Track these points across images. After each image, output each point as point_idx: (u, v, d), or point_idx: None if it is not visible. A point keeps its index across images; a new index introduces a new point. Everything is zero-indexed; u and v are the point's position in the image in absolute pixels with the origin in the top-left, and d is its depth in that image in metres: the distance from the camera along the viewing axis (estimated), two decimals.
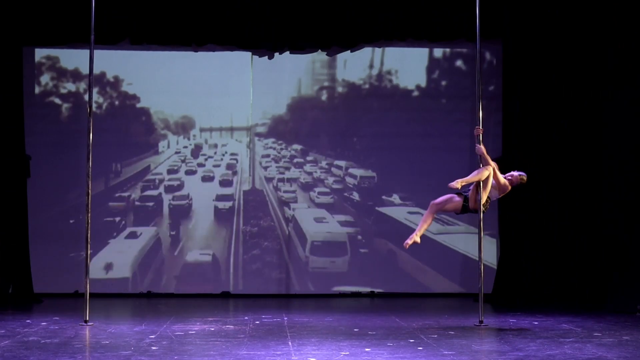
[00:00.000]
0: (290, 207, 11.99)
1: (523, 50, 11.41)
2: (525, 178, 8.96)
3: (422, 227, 8.79)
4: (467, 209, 8.84)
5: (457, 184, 8.63)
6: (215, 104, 12.07)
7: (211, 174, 12.08)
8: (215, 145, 12.12)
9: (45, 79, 11.89)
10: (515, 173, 8.96)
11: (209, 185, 12.04)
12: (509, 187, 8.90)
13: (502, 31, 11.46)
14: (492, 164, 8.82)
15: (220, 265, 11.83)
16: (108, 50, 11.61)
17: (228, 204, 11.98)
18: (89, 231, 8.90)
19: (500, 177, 8.84)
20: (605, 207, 10.85)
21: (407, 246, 8.74)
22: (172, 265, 11.81)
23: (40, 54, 11.85)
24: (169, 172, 12.02)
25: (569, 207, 11.30)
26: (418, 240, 8.72)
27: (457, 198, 8.83)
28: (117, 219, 11.83)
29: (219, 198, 12.00)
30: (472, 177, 8.74)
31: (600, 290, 10.82)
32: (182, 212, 11.93)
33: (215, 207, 11.96)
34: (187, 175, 12.05)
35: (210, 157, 12.13)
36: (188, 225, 11.91)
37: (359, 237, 11.94)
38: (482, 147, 8.80)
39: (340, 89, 12.20)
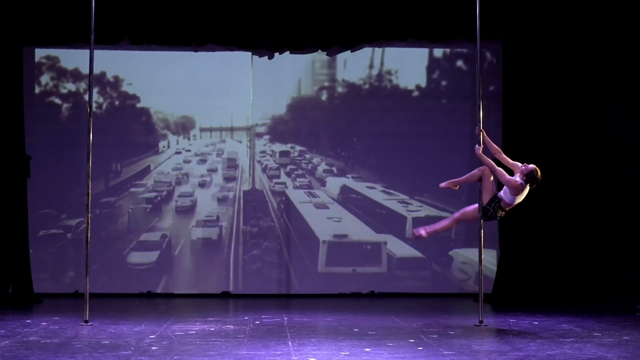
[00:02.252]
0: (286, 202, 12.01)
1: (523, 50, 11.41)
2: (536, 171, 8.49)
3: (437, 227, 8.85)
4: (488, 215, 8.74)
5: (448, 184, 8.72)
6: (215, 104, 12.07)
7: (211, 174, 12.08)
8: (215, 145, 12.14)
9: (45, 79, 11.89)
10: (520, 165, 8.60)
11: (208, 185, 12.04)
12: (522, 183, 8.50)
13: (502, 31, 11.46)
14: (489, 163, 8.73)
15: (220, 265, 11.83)
16: (108, 50, 11.61)
17: (226, 203, 11.98)
18: (89, 231, 8.91)
19: (504, 174, 8.58)
20: (605, 207, 10.86)
21: (414, 234, 8.90)
22: (172, 265, 11.81)
23: (40, 54, 11.85)
24: (169, 173, 12.01)
25: (569, 207, 11.30)
26: (424, 235, 8.79)
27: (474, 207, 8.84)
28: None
29: (218, 198, 12.01)
30: (463, 179, 8.78)
31: (600, 290, 10.82)
32: (181, 212, 11.93)
33: (215, 207, 11.95)
34: (187, 175, 12.04)
35: (210, 157, 12.13)
36: (188, 225, 11.91)
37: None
38: (480, 147, 8.79)
39: (340, 89, 12.20)
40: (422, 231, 8.87)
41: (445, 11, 11.44)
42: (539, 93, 11.38)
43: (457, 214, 8.97)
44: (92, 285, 9.09)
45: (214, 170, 12.10)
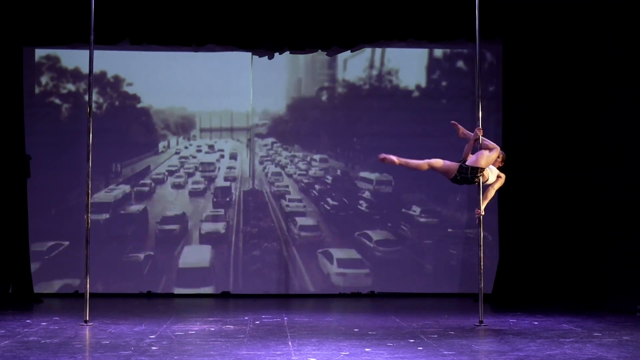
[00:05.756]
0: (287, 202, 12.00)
1: (523, 50, 11.41)
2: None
3: (406, 161, 8.59)
4: (457, 179, 8.70)
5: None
6: (215, 104, 12.08)
7: (211, 174, 12.08)
8: (214, 145, 12.14)
9: (45, 79, 11.89)
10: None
11: (207, 184, 12.04)
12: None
13: (502, 31, 11.47)
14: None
15: (220, 266, 11.82)
16: (108, 50, 11.60)
17: (226, 203, 11.98)
18: (89, 231, 8.91)
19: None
20: (605, 207, 10.85)
21: (382, 158, 8.52)
22: (172, 265, 11.81)
23: (40, 54, 11.85)
24: (169, 172, 12.02)
25: (568, 207, 11.30)
26: (395, 161, 8.50)
27: (454, 167, 8.71)
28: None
29: (219, 197, 12.01)
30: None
31: (600, 290, 10.82)
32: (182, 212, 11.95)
33: (214, 208, 11.96)
34: (187, 175, 12.04)
35: (209, 156, 12.13)
36: (188, 225, 11.90)
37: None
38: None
39: (340, 89, 12.20)
40: (393, 157, 8.51)
41: (445, 11, 11.44)
42: (539, 93, 11.38)
43: (430, 160, 8.65)
44: (92, 285, 9.09)
45: (213, 171, 12.09)
